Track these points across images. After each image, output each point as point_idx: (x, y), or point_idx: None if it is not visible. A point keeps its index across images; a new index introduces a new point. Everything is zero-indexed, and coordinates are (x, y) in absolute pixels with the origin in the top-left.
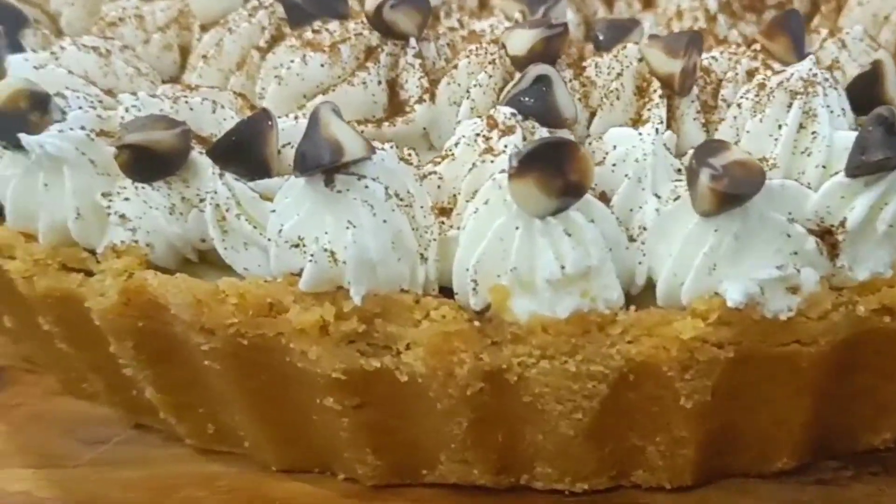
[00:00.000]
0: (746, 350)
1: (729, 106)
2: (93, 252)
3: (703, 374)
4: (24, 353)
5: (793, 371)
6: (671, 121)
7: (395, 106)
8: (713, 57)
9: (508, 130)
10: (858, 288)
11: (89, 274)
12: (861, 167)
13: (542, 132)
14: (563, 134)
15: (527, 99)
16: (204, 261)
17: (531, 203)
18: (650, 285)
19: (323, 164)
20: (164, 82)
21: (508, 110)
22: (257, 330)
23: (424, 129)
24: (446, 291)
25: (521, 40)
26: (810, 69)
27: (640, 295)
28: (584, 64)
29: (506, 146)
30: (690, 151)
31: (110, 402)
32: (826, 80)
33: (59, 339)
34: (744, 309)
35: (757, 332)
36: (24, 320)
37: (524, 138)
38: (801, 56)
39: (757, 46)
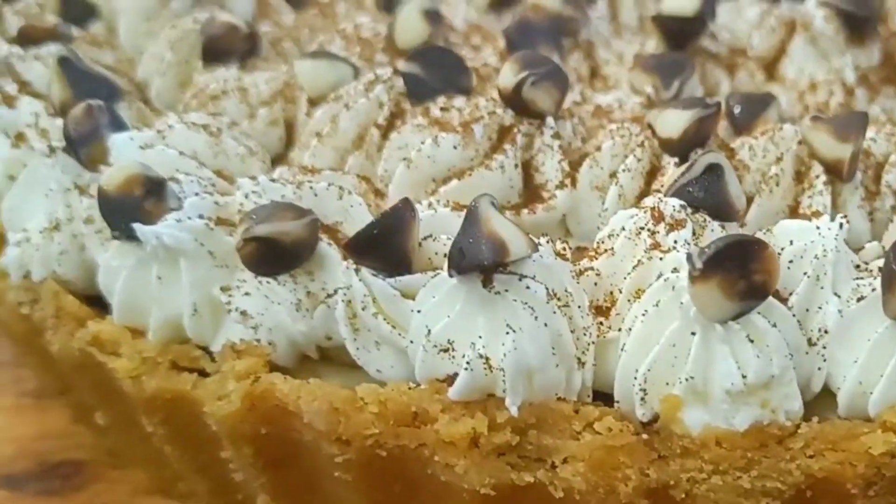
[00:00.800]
0: None
1: (894, 193)
2: (206, 349)
3: (888, 490)
4: (110, 446)
5: None
6: (833, 209)
7: (531, 190)
8: (872, 138)
9: (678, 225)
10: None
11: (203, 374)
12: None
13: (714, 226)
14: (734, 228)
15: (696, 190)
16: (324, 358)
17: (712, 307)
18: (824, 392)
19: (484, 263)
20: (272, 160)
21: (677, 202)
22: (398, 440)
23: (563, 215)
24: (601, 397)
25: (673, 122)
26: None
27: (814, 403)
28: (733, 146)
29: (675, 242)
30: (870, 247)
31: None
32: None
33: (163, 440)
34: None
35: None
36: (121, 418)
37: (694, 233)
38: None
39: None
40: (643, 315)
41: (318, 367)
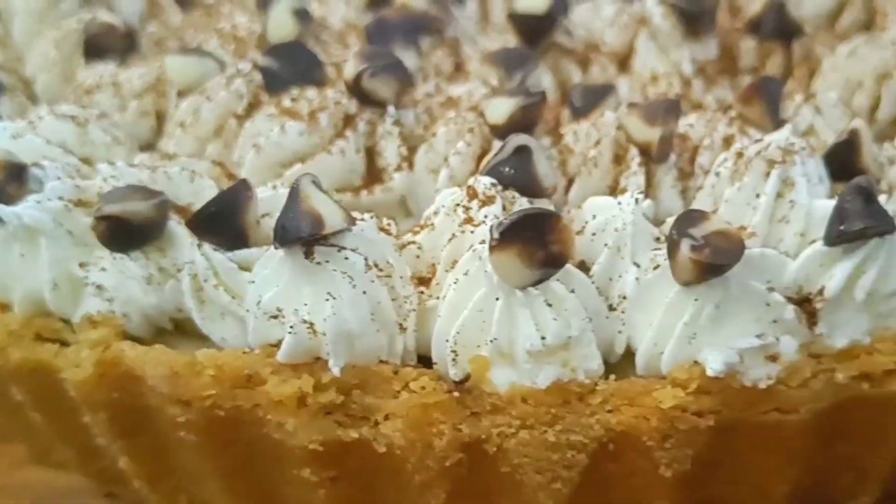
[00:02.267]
0: (727, 419)
1: (706, 173)
2: (68, 322)
3: (683, 443)
4: None
5: (775, 440)
6: (649, 188)
7: (374, 174)
8: (690, 124)
9: (488, 201)
10: (837, 356)
11: (65, 344)
12: (840, 236)
13: (523, 202)
14: (543, 203)
15: (507, 169)
16: (180, 330)
17: (512, 274)
18: (629, 354)
19: (302, 236)
20: (141, 149)
21: (488, 180)
22: (234, 401)
23: (403, 196)
24: (425, 361)
25: (500, 109)
26: (787, 138)
27: (620, 364)
28: (562, 131)
29: (486, 216)
30: (670, 220)
31: (82, 472)
32: (803, 148)
33: (31, 409)
34: (723, 378)
35: (737, 400)
36: None
37: (504, 208)
38: (777, 122)
39: (733, 113)
40: (455, 283)
41: (173, 338)
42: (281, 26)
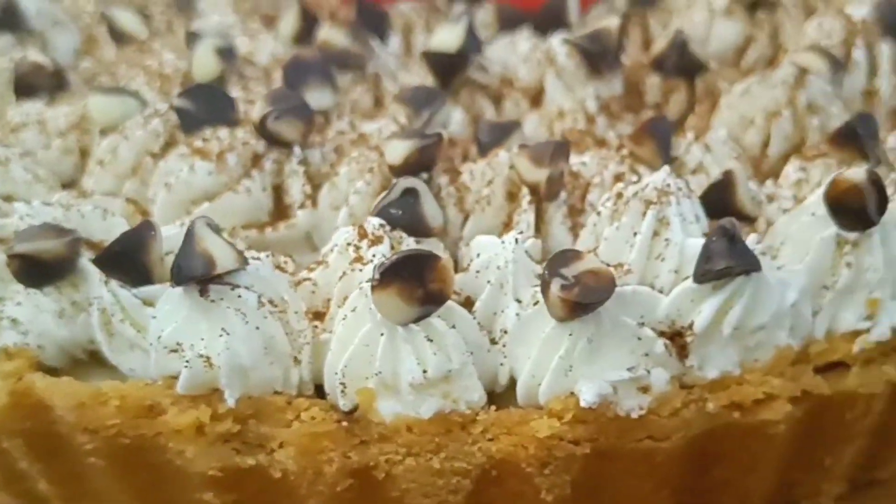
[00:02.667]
0: (603, 446)
1: (597, 210)
2: None
3: (561, 469)
4: None
5: (649, 466)
6: (540, 224)
7: (281, 211)
8: (583, 162)
9: (377, 241)
10: (708, 386)
11: None
12: (706, 274)
13: (410, 242)
14: (431, 243)
15: (395, 210)
16: (95, 360)
17: (393, 312)
18: (513, 385)
19: (196, 276)
20: (63, 186)
21: (377, 221)
22: (137, 430)
23: (308, 233)
24: (323, 391)
25: (397, 150)
26: (664, 179)
27: (504, 394)
28: (461, 170)
29: (374, 256)
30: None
31: (8, 493)
32: (680, 189)
33: None
34: (597, 408)
35: (611, 429)
36: None
37: (392, 248)
38: (667, 160)
39: (625, 151)
40: (343, 319)
41: (88, 368)
42: (204, 65)
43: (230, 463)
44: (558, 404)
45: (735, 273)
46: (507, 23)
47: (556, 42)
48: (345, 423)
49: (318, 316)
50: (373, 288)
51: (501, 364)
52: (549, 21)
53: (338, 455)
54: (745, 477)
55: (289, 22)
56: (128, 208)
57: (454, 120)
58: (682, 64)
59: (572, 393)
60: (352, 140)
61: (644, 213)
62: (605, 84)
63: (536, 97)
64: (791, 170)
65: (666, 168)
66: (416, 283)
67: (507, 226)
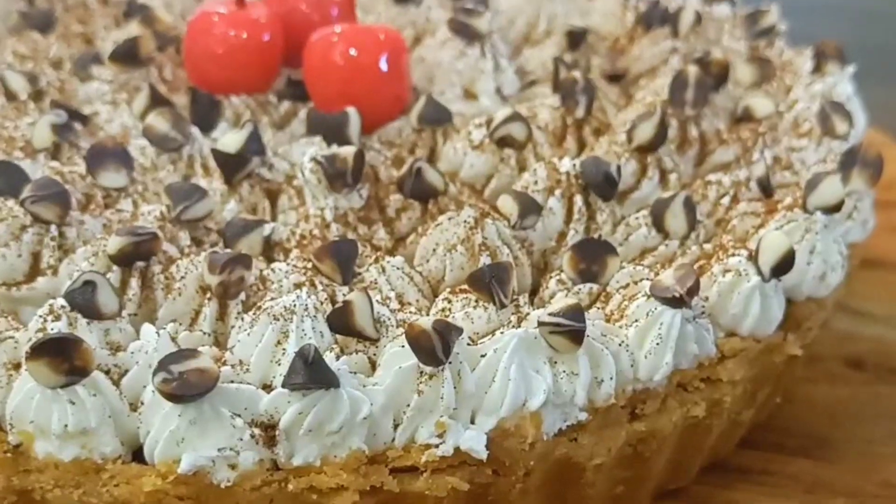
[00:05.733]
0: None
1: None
2: None
3: None
4: None
5: None
6: (223, 316)
7: (34, 274)
8: (272, 268)
9: (57, 318)
10: (294, 471)
11: None
12: (288, 384)
13: (83, 322)
14: (109, 324)
15: (76, 296)
16: None
17: (42, 378)
18: None
19: None
20: None
21: (60, 302)
22: None
23: (48, 294)
24: None
25: (114, 243)
26: (294, 301)
27: None
28: (176, 263)
29: (51, 329)
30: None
31: None
32: (306, 310)
33: None
34: (196, 474)
35: (209, 493)
36: None
37: (69, 325)
38: (346, 279)
39: (309, 264)
40: (19, 376)
41: None
42: (41, 135)
43: None
44: (164, 466)
45: (305, 388)
46: (314, 129)
47: (306, 158)
48: (10, 454)
49: (16, 367)
50: (26, 358)
51: (138, 427)
52: (332, 130)
53: (3, 478)
54: None
55: (140, 100)
56: None
57: (228, 209)
58: (419, 188)
59: (178, 459)
60: (122, 220)
61: (271, 325)
62: (346, 197)
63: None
64: (440, 298)
65: (300, 293)
66: (63, 359)
67: (197, 313)
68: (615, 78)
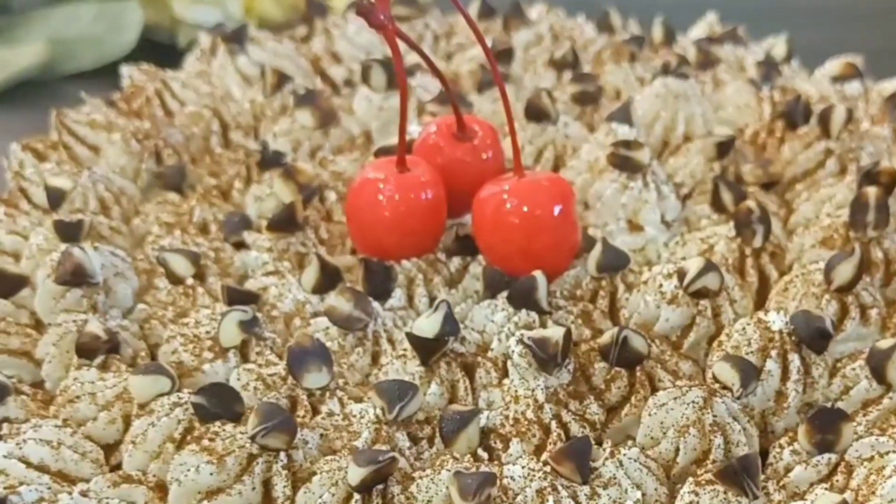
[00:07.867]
0: None
1: None
2: None
3: None
4: None
5: None
6: None
7: (269, 502)
8: (512, 477)
9: None
10: None
11: None
12: None
13: None
14: None
15: None
16: None
17: None
18: None
19: None
20: (107, 452)
21: None
22: None
23: None
24: None
25: (355, 473)
26: None
27: None
28: (414, 476)
29: None
30: None
31: None
32: None
33: None
34: None
35: None
36: None
37: None
38: (585, 478)
39: (548, 468)
40: None
41: None
42: (228, 334)
43: None
44: None
45: None
46: (491, 287)
47: (514, 341)
48: None
49: None
50: None
51: None
52: (520, 296)
53: None
54: None
55: (310, 274)
56: (149, 494)
57: (431, 391)
58: (624, 356)
59: None
60: (335, 425)
61: None
62: (554, 376)
63: (505, 367)
64: (686, 490)
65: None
66: None
67: None
68: (769, 185)
